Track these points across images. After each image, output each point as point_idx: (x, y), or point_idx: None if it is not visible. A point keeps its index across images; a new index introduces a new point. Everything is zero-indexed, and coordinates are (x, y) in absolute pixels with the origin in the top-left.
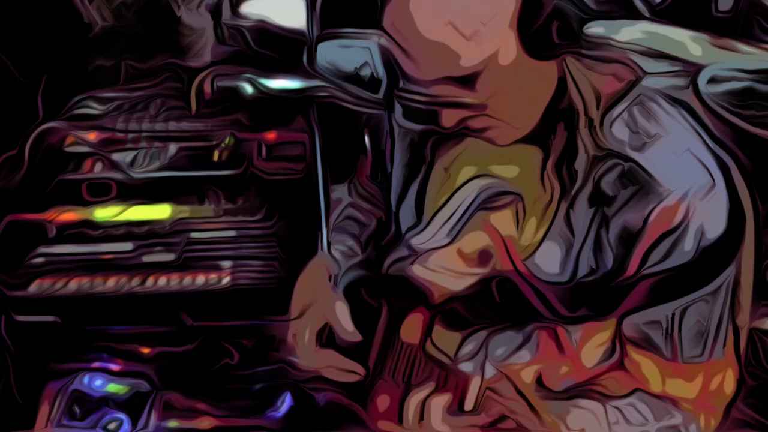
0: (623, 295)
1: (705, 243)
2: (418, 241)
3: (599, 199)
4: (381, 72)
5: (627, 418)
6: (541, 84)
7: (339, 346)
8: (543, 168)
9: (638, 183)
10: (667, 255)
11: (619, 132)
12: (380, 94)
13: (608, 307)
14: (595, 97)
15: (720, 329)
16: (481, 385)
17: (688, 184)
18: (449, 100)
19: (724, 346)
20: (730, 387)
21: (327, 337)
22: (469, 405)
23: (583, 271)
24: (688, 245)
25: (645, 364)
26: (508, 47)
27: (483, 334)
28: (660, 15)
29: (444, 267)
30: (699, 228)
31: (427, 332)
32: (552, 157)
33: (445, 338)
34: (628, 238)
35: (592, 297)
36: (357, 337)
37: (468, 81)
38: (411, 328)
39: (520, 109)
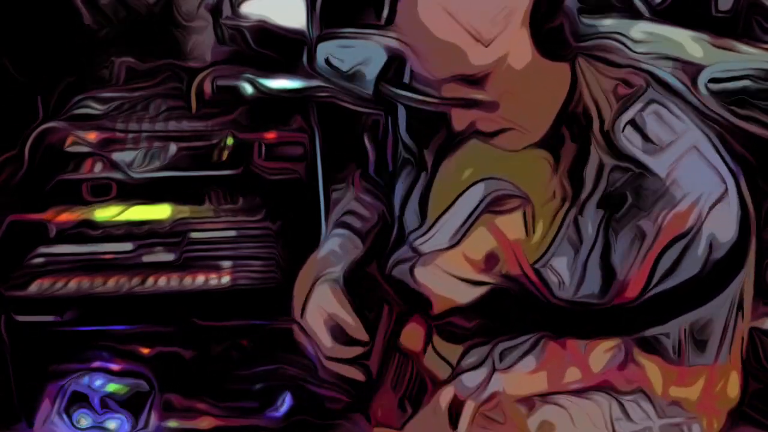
0: (633, 317)
1: (716, 248)
2: (421, 242)
3: (610, 204)
4: (374, 72)
5: (629, 415)
6: (553, 86)
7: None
8: (555, 172)
9: (650, 188)
10: (678, 261)
11: (630, 137)
12: (370, 92)
13: (619, 328)
14: (608, 100)
15: (726, 333)
16: (474, 409)
17: (701, 189)
18: (459, 100)
19: (730, 349)
20: (734, 391)
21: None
22: (462, 429)
23: (591, 277)
24: (700, 251)
25: (649, 368)
26: (520, 47)
27: (487, 345)
28: (660, 15)
29: (448, 271)
30: (711, 234)
31: (427, 342)
32: (564, 161)
33: (448, 347)
34: (639, 243)
35: (601, 320)
36: (362, 334)
37: (478, 81)
38: (411, 337)
39: (532, 111)
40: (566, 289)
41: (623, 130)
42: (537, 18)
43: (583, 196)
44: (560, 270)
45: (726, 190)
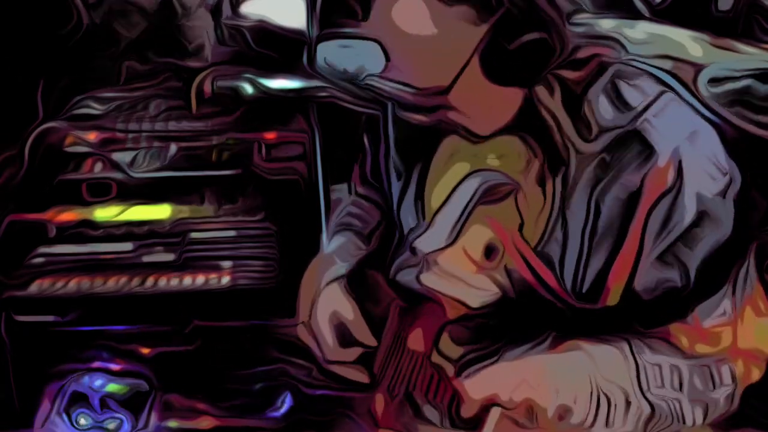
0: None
1: (704, 202)
2: (420, 242)
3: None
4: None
5: (652, 347)
6: (505, 104)
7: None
8: (533, 168)
9: (630, 149)
10: (668, 217)
11: (605, 109)
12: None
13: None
14: (568, 114)
15: (746, 287)
16: (500, 415)
17: (676, 141)
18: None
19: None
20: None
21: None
22: None
23: (593, 251)
24: (687, 205)
25: (674, 329)
26: (471, 72)
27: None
28: (660, 15)
29: (452, 272)
30: (695, 186)
31: (434, 344)
32: (537, 163)
33: (453, 348)
34: (628, 206)
35: (610, 317)
36: (369, 335)
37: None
38: (418, 338)
39: (486, 120)
40: (568, 268)
41: (598, 101)
42: (488, 51)
43: (569, 186)
44: (555, 254)
45: (700, 132)
